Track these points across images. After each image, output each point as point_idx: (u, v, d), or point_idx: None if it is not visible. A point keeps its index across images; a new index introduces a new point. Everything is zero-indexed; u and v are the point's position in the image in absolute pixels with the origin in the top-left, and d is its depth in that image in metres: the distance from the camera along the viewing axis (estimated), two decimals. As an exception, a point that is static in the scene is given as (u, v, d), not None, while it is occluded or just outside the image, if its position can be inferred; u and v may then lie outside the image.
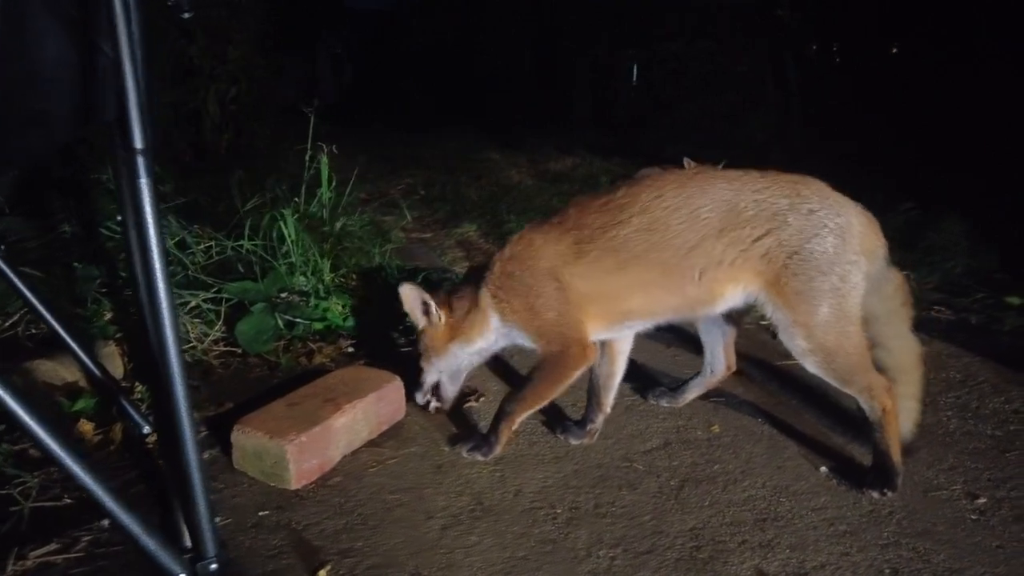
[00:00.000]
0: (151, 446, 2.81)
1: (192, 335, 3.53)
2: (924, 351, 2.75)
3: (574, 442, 2.95)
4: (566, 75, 16.61)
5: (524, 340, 2.79)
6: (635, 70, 15.15)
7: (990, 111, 7.88)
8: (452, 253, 5.78)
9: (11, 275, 2.53)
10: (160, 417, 2.92)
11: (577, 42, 16.10)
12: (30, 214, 4.07)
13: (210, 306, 3.63)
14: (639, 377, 3.51)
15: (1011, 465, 2.77)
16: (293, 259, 3.84)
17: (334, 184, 4.34)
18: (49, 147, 2.37)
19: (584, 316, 2.68)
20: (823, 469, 2.76)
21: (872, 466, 2.64)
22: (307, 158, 4.16)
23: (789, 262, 2.50)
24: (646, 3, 14.50)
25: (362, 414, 2.86)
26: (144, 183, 1.81)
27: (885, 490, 2.57)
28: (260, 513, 2.49)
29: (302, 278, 3.80)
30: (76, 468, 1.74)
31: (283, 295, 3.65)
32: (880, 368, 2.65)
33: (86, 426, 2.84)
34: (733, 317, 2.98)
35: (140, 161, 1.79)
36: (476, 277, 2.86)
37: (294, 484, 2.61)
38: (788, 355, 2.73)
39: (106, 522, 2.35)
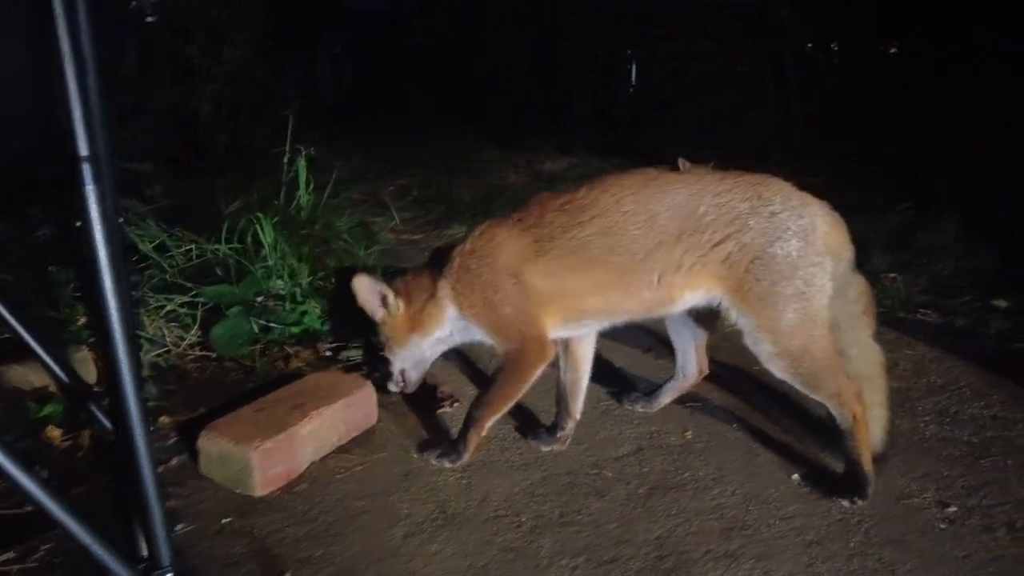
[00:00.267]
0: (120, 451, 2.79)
1: (168, 339, 3.51)
2: (888, 359, 2.73)
3: (545, 448, 2.92)
4: (566, 75, 16.58)
5: (481, 336, 2.77)
6: (634, 70, 15.12)
7: (990, 111, 7.85)
8: (440, 255, 5.75)
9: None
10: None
11: (577, 42, 16.06)
12: (8, 217, 4.05)
13: (186, 310, 3.62)
14: (616, 381, 3.49)
15: (985, 472, 2.73)
16: (270, 263, 3.82)
17: (312, 188, 4.32)
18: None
19: (542, 313, 2.65)
20: (795, 476, 2.73)
21: (843, 474, 2.62)
22: (285, 161, 4.14)
23: (751, 267, 2.47)
24: (646, 3, 14.45)
25: (330, 420, 2.85)
26: (90, 190, 1.79)
27: (855, 499, 2.54)
28: (223, 520, 2.48)
29: (279, 281, 3.78)
30: (20, 476, 1.72)
31: (259, 299, 3.63)
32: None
33: (54, 431, 2.84)
34: (704, 320, 2.95)
35: (86, 169, 1.78)
36: (436, 266, 2.83)
37: (259, 491, 2.59)
38: (762, 360, 2.70)
39: (66, 529, 2.33)
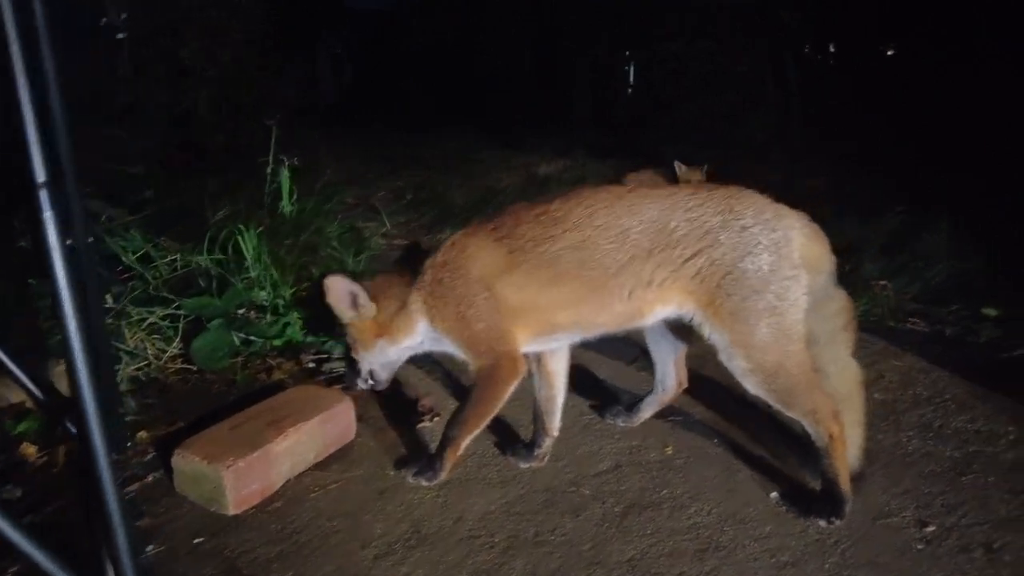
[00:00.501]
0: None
1: (150, 352, 3.50)
2: (875, 371, 2.70)
3: (524, 465, 2.91)
4: (566, 75, 16.57)
5: (452, 349, 2.74)
6: (632, 71, 15.09)
7: (988, 112, 7.82)
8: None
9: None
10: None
11: (577, 42, 16.04)
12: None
13: (168, 322, 3.61)
14: (599, 393, 3.48)
15: (965, 490, 2.70)
16: (252, 274, 3.81)
17: (295, 197, 4.30)
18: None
19: (514, 327, 2.63)
20: (774, 495, 2.70)
21: (820, 493, 2.59)
22: (268, 171, 4.12)
23: (723, 282, 2.45)
24: (646, 3, 14.43)
25: (307, 436, 2.83)
26: (48, 217, 1.77)
27: (832, 519, 2.51)
28: (195, 540, 2.47)
29: (262, 293, 3.77)
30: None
31: (241, 311, 3.62)
32: None
33: (29, 448, 2.83)
34: (683, 333, 2.92)
35: (42, 195, 1.76)
36: (409, 271, 2.79)
37: (232, 509, 2.58)
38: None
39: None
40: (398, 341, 2.79)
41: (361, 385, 2.91)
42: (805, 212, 2.52)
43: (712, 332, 2.51)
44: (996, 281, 4.64)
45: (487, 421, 2.73)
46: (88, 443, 1.95)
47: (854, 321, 2.66)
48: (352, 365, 2.91)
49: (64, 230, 1.95)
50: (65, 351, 1.88)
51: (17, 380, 2.68)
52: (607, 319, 2.63)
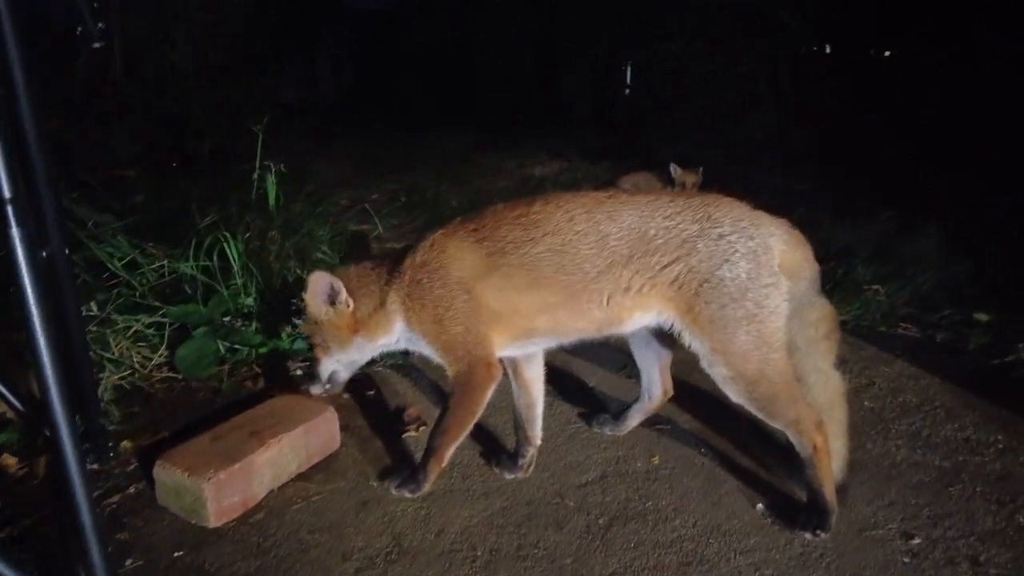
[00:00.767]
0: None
1: (135, 360, 3.48)
2: (865, 377, 2.67)
3: (508, 476, 2.89)
4: (566, 75, 16.55)
5: (427, 351, 2.72)
6: (629, 71, 15.08)
7: (986, 114, 7.79)
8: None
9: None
10: (88, 448, 2.89)
11: (577, 42, 16.03)
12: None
13: (153, 330, 3.59)
14: (588, 400, 3.46)
15: (952, 501, 2.68)
16: (238, 281, 3.79)
17: (283, 202, 4.28)
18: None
19: (491, 331, 2.61)
20: (759, 506, 2.68)
21: (806, 505, 2.57)
22: (255, 177, 4.10)
23: (701, 289, 2.44)
24: (646, 3, 14.41)
25: (289, 447, 2.81)
26: (14, 234, 1.76)
27: (818, 531, 2.49)
28: (175, 554, 2.45)
29: (248, 300, 3.75)
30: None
31: (227, 319, 3.59)
32: None
33: (9, 460, 2.81)
34: (667, 340, 2.90)
35: (9, 211, 1.75)
36: (387, 271, 2.74)
37: (213, 522, 2.56)
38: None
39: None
40: (375, 338, 2.74)
41: (316, 391, 2.86)
42: (799, 215, 2.50)
43: (692, 340, 2.51)
44: (987, 286, 4.62)
45: (468, 428, 2.70)
46: (60, 455, 1.94)
47: (837, 330, 2.64)
48: (313, 368, 2.86)
49: (40, 241, 1.94)
50: (36, 365, 1.87)
51: (-1, 392, 2.68)
52: (585, 325, 2.62)
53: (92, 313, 3.46)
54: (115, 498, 2.74)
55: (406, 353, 3.19)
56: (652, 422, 3.21)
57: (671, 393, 3.08)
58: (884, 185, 6.93)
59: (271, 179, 4.12)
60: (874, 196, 6.61)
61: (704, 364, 2.53)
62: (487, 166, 10.01)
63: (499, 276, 2.56)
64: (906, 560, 2.39)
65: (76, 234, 3.78)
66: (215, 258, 3.86)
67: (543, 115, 15.21)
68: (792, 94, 12.38)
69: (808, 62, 12.89)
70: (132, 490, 2.79)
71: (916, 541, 2.47)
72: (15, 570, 1.83)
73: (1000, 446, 3.03)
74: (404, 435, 3.18)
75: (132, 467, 2.94)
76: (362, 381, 3.66)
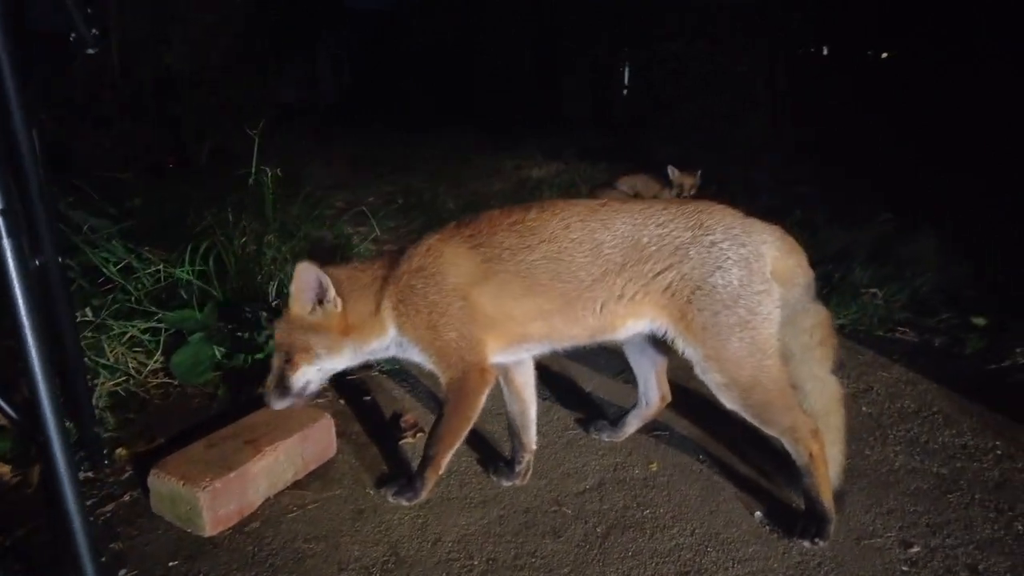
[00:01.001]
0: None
1: (131, 366, 3.46)
2: (863, 383, 2.65)
3: (506, 483, 2.87)
4: (566, 76, 16.56)
5: (419, 358, 2.67)
6: (627, 71, 15.08)
7: (985, 115, 7.78)
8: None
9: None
10: (82, 456, 2.87)
11: (577, 42, 16.04)
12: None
13: (149, 336, 3.57)
14: (585, 406, 3.44)
15: (951, 508, 2.67)
16: (235, 285, 3.77)
17: (279, 207, 4.26)
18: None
19: (485, 337, 2.59)
20: (758, 514, 2.67)
21: (804, 513, 2.56)
22: (250, 181, 4.08)
23: (693, 297, 2.45)
24: (646, 3, 14.41)
25: (285, 455, 2.80)
26: (6, 245, 1.75)
27: (816, 539, 2.47)
28: (170, 563, 2.43)
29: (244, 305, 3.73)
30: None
31: (222, 324, 3.57)
32: None
33: (3, 468, 2.79)
34: (662, 346, 2.88)
35: (0, 223, 1.73)
36: (380, 274, 2.67)
37: (209, 531, 2.54)
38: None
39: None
40: (367, 343, 2.67)
41: (282, 405, 2.64)
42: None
43: (686, 347, 2.51)
44: (986, 288, 4.61)
45: (464, 435, 2.68)
46: (52, 464, 1.93)
47: (832, 336, 2.63)
48: (283, 377, 2.62)
49: (33, 250, 1.92)
50: (27, 374, 1.86)
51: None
52: (579, 331, 2.62)
53: (87, 319, 3.45)
54: (109, 507, 2.72)
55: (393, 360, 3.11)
56: (650, 429, 3.19)
57: (669, 399, 3.07)
58: (883, 186, 6.92)
59: (267, 183, 4.10)
60: (873, 197, 6.61)
61: (698, 371, 2.52)
62: (485, 167, 10.01)
63: (495, 283, 2.55)
64: (905, 569, 2.37)
65: (71, 239, 3.77)
66: (211, 263, 3.84)
67: (542, 115, 15.22)
68: (791, 94, 12.38)
69: (808, 62, 12.88)
70: (127, 498, 2.78)
71: (915, 550, 2.45)
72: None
73: (998, 452, 3.02)
74: (401, 442, 3.16)
75: (127, 475, 2.92)
76: (357, 387, 3.65)
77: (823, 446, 2.49)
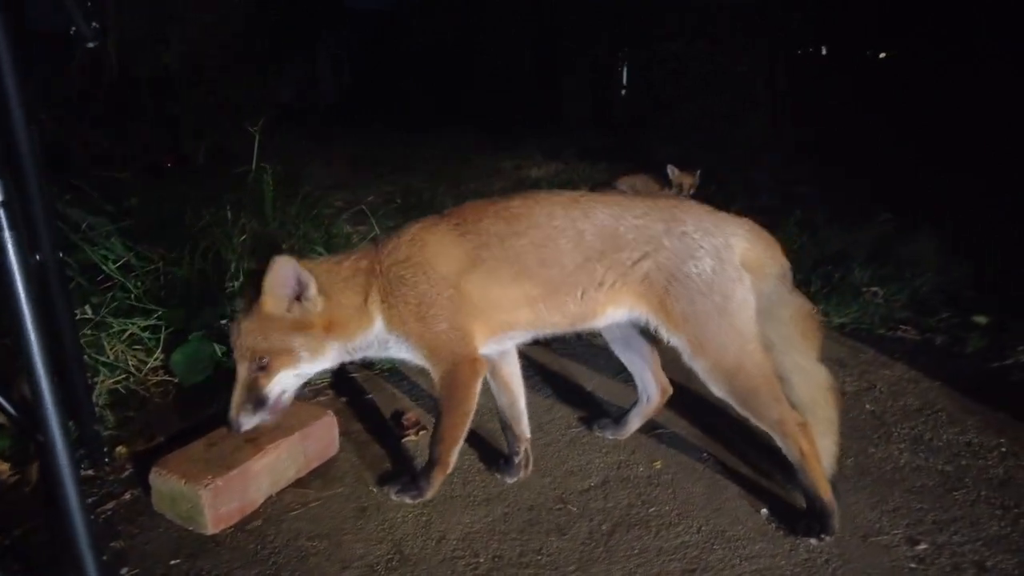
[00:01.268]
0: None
1: (130, 364, 3.44)
2: (865, 381, 2.64)
3: (510, 480, 2.85)
4: (566, 76, 16.55)
5: (407, 354, 2.63)
6: (626, 71, 15.08)
7: (984, 115, 7.77)
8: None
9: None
10: (82, 454, 2.85)
11: (577, 42, 16.02)
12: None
13: (148, 334, 3.55)
14: (587, 405, 3.42)
15: (957, 506, 2.65)
16: (235, 284, 3.75)
17: (278, 206, 4.24)
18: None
19: (473, 326, 2.58)
20: (763, 511, 2.65)
21: (805, 510, 2.54)
22: (249, 179, 4.06)
23: (670, 286, 2.49)
24: (646, 3, 14.40)
25: (287, 453, 2.78)
26: (7, 238, 1.73)
27: (821, 535, 2.46)
28: (172, 562, 2.41)
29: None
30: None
31: (224, 322, 3.55)
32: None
33: (2, 466, 2.77)
34: (647, 340, 2.95)
35: (1, 215, 1.71)
36: (361, 266, 2.58)
37: (211, 529, 2.52)
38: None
39: None
40: (352, 339, 2.57)
41: (252, 423, 2.48)
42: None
43: (670, 336, 2.55)
44: (986, 288, 4.59)
45: (465, 429, 2.65)
46: (53, 462, 1.91)
47: (815, 326, 2.65)
48: (254, 389, 2.45)
49: (32, 246, 1.90)
50: (28, 371, 1.84)
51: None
52: (560, 319, 2.63)
53: (87, 316, 3.43)
54: (110, 505, 2.70)
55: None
56: (652, 427, 3.18)
57: (669, 391, 3.06)
58: (883, 186, 6.91)
59: (268, 180, 4.08)
60: (873, 197, 6.59)
61: (686, 359, 2.56)
62: (485, 167, 9.99)
63: (484, 269, 2.55)
64: (912, 566, 2.35)
65: (70, 237, 3.75)
66: (210, 261, 3.82)
67: (542, 115, 15.21)
68: (791, 94, 12.36)
69: (808, 62, 12.87)
70: (127, 496, 2.76)
71: (922, 547, 2.44)
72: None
73: (1002, 450, 3.00)
74: (403, 440, 3.14)
75: (127, 473, 2.91)
76: (357, 386, 3.63)
77: (813, 441, 2.50)
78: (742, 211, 2.74)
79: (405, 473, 2.83)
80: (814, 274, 4.81)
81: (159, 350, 3.52)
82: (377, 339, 2.63)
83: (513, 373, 2.90)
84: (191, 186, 5.70)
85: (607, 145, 11.45)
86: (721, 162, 8.25)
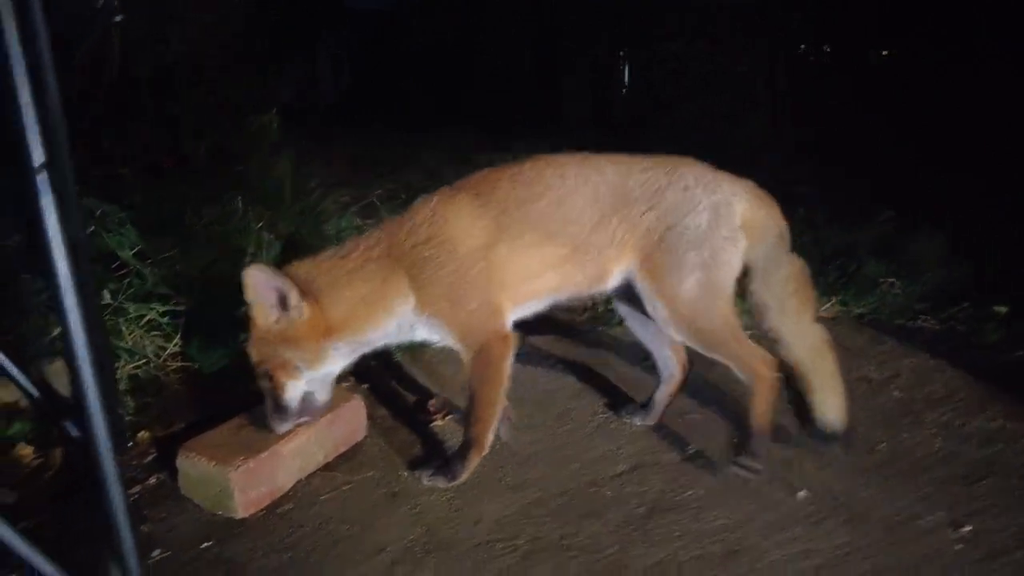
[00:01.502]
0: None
1: (149, 350, 3.39)
2: (889, 369, 2.64)
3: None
4: (566, 75, 16.52)
5: (437, 335, 2.59)
6: (626, 71, 15.06)
7: (985, 113, 7.76)
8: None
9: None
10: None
11: (577, 42, 15.99)
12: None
13: (167, 320, 3.50)
14: (612, 393, 3.38)
15: (994, 491, 2.59)
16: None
17: (294, 194, 4.18)
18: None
19: (501, 300, 2.56)
20: (800, 494, 2.61)
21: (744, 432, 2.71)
22: (255, 171, 3.99)
23: (665, 235, 2.54)
24: (646, 3, 14.38)
25: (315, 437, 2.73)
26: (47, 202, 1.68)
27: (746, 463, 2.66)
28: (202, 545, 2.37)
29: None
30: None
31: (243, 308, 3.49)
32: (787, 366, 2.68)
33: (25, 450, 2.72)
34: None
35: (40, 179, 1.66)
36: (375, 255, 2.52)
37: (240, 513, 2.48)
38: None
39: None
40: (362, 334, 2.53)
41: (286, 427, 2.56)
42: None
43: (642, 282, 2.60)
44: (986, 289, 4.53)
45: (499, 408, 2.62)
46: (93, 447, 1.85)
47: (808, 286, 2.70)
48: (276, 398, 2.50)
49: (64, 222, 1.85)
50: (66, 348, 1.80)
51: (14, 380, 2.59)
52: (581, 279, 2.66)
53: (105, 302, 3.37)
54: (135, 489, 2.65)
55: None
56: (682, 412, 3.14)
57: (689, 366, 3.03)
58: (884, 186, 6.87)
59: (287, 164, 4.02)
60: (873, 197, 6.55)
61: (647, 305, 2.63)
62: (485, 167, 9.92)
63: (510, 238, 2.53)
64: (958, 547, 2.31)
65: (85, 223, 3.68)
66: (229, 248, 3.77)
67: (542, 115, 15.16)
68: (791, 94, 12.36)
69: (808, 62, 12.87)
70: (152, 481, 2.71)
71: (966, 529, 2.40)
72: (52, 564, 1.75)
73: (1034, 437, 2.96)
74: (431, 424, 3.09)
75: (150, 458, 2.86)
76: (381, 371, 3.58)
77: (774, 371, 2.63)
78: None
79: (436, 457, 2.79)
80: (831, 265, 4.76)
81: (178, 336, 3.46)
82: (402, 324, 2.58)
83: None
84: (191, 186, 5.62)
85: (607, 145, 11.34)
86: (721, 162, 8.18)
